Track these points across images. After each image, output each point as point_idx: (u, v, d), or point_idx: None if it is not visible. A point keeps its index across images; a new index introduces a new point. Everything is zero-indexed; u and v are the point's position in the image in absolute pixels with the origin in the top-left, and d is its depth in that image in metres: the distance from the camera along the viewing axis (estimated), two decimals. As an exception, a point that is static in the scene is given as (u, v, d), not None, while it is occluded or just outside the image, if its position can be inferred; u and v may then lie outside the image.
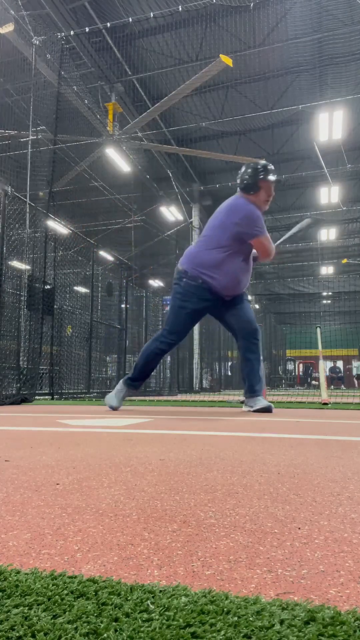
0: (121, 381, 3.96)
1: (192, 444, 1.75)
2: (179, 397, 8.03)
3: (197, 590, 0.51)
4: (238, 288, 3.80)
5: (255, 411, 3.72)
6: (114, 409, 3.89)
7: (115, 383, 10.15)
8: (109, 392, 4.29)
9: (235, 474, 1.19)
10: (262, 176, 3.71)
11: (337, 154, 12.25)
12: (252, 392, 3.81)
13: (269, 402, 3.94)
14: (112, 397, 3.90)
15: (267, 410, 3.68)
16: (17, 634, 0.42)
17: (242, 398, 4.45)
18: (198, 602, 0.48)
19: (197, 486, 1.05)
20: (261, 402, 3.75)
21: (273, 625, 0.43)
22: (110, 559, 0.63)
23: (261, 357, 3.95)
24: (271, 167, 3.81)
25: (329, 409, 4.43)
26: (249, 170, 3.76)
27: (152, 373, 4.23)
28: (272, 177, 3.76)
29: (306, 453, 1.54)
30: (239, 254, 3.70)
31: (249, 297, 24.85)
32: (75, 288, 8.59)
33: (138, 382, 3.92)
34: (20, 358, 5.58)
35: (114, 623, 0.44)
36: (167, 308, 4.22)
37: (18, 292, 5.92)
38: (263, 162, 3.87)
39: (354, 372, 26.66)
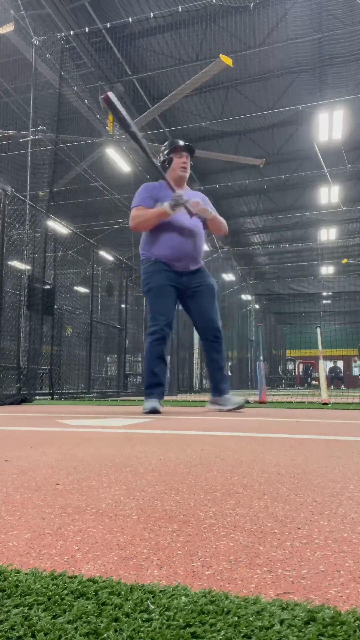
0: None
1: (192, 444, 1.75)
2: (179, 397, 8.03)
3: (197, 590, 0.51)
4: (182, 257, 3.79)
5: (228, 410, 3.71)
6: (156, 411, 3.57)
7: (115, 383, 10.15)
8: (109, 392, 4.29)
9: (235, 474, 1.19)
10: (167, 150, 3.95)
11: (337, 154, 12.25)
12: (219, 390, 3.84)
13: (243, 398, 4.00)
14: (153, 404, 3.61)
15: (241, 407, 3.69)
16: (17, 634, 0.42)
17: (242, 398, 4.42)
18: (198, 602, 0.48)
19: (197, 486, 1.05)
20: (232, 400, 3.76)
21: (273, 625, 0.43)
22: (110, 559, 0.63)
23: (224, 356, 3.95)
24: (175, 140, 4.04)
25: (329, 409, 4.43)
26: (161, 151, 4.03)
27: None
28: (177, 145, 3.93)
29: (306, 453, 1.54)
30: (160, 226, 3.75)
31: (249, 297, 24.82)
32: (75, 288, 8.59)
33: (158, 387, 3.71)
34: (20, 358, 5.58)
35: (114, 623, 0.44)
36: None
37: (18, 292, 5.93)
38: (170, 139, 4.12)
39: (355, 372, 26.65)
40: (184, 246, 3.79)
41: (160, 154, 4.03)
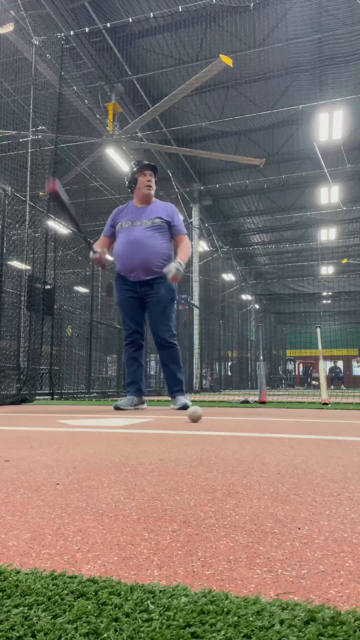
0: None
1: (192, 444, 1.75)
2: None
3: (197, 590, 0.51)
4: (132, 269, 4.10)
5: (177, 409, 4.04)
6: (118, 408, 4.03)
7: (115, 383, 10.16)
8: (109, 392, 4.52)
9: (235, 474, 1.19)
10: (132, 171, 4.27)
11: (337, 154, 12.25)
12: (171, 393, 4.25)
13: (191, 401, 4.38)
14: (121, 401, 4.16)
15: (184, 407, 4.00)
16: (17, 634, 0.42)
17: (242, 398, 4.51)
18: (198, 602, 0.48)
19: (197, 486, 1.05)
20: (179, 401, 4.10)
21: (273, 625, 0.43)
22: (110, 559, 0.63)
23: (179, 360, 4.25)
24: (139, 160, 4.41)
25: (329, 409, 4.43)
26: (128, 173, 4.38)
27: (152, 373, 4.58)
28: (140, 165, 4.25)
29: (306, 453, 1.54)
30: (116, 241, 4.26)
31: (249, 297, 24.77)
32: (75, 288, 8.59)
33: (131, 385, 4.20)
34: (20, 358, 5.58)
35: (114, 623, 0.44)
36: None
37: (18, 292, 5.92)
38: (135, 160, 4.47)
39: (355, 372, 26.65)
40: (132, 258, 4.10)
41: (127, 177, 4.35)
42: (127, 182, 4.33)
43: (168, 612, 0.46)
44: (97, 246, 4.30)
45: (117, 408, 4.01)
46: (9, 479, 1.13)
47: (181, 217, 4.38)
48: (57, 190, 3.69)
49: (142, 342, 4.27)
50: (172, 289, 4.22)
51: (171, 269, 3.93)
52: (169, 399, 4.44)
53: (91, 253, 4.24)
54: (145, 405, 4.34)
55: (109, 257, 4.37)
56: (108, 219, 4.39)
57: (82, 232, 4.46)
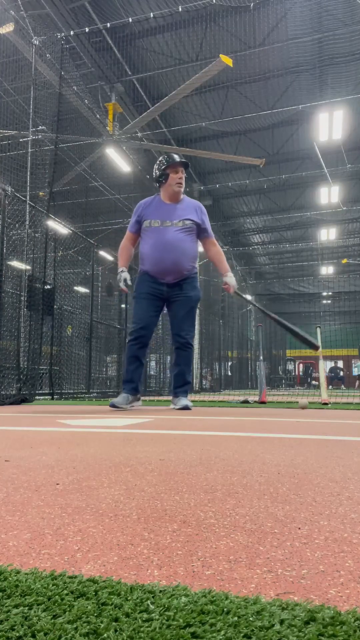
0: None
1: (192, 444, 1.75)
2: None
3: (197, 590, 0.51)
4: (162, 271, 4.08)
5: (177, 409, 4.07)
6: (116, 407, 4.01)
7: (115, 383, 10.15)
8: (109, 392, 4.49)
9: (235, 474, 1.19)
10: (164, 166, 4.11)
11: (337, 154, 12.25)
12: (174, 393, 4.25)
13: (191, 401, 4.36)
14: (117, 399, 4.12)
15: (185, 408, 4.03)
16: (17, 634, 0.42)
17: (242, 398, 4.53)
18: (198, 602, 0.48)
19: (197, 486, 1.05)
20: (181, 401, 4.11)
21: (273, 625, 0.43)
22: (110, 559, 0.63)
23: (192, 362, 4.32)
24: (171, 155, 4.23)
25: (329, 409, 4.43)
26: (155, 166, 4.23)
27: (152, 373, 4.57)
28: (172, 160, 4.13)
29: (306, 453, 1.54)
30: (144, 239, 4.18)
31: (249, 297, 24.88)
32: (75, 288, 8.58)
33: (127, 384, 4.15)
34: (20, 358, 5.58)
35: (114, 623, 0.44)
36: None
37: (18, 292, 5.92)
38: (166, 154, 4.34)
39: (355, 372, 26.66)
40: (164, 261, 4.06)
41: (156, 169, 4.18)
42: (155, 175, 4.18)
43: (168, 612, 0.46)
44: (123, 247, 4.29)
45: (112, 406, 3.99)
46: (9, 479, 1.13)
47: (207, 218, 4.33)
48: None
49: (148, 342, 4.24)
50: (199, 291, 4.26)
51: (232, 283, 4.19)
52: (169, 398, 4.45)
53: (121, 283, 4.22)
54: (140, 403, 4.33)
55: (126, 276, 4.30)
56: (134, 214, 4.24)
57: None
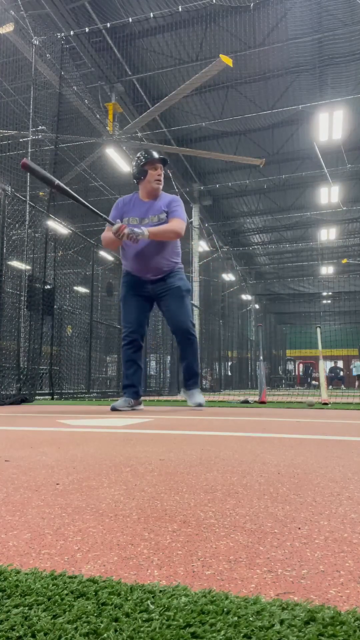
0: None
1: (192, 444, 1.75)
2: (179, 397, 8.03)
3: (197, 590, 0.51)
4: (143, 265, 4.01)
5: (193, 407, 4.08)
6: (115, 409, 3.96)
7: (115, 383, 10.16)
8: (109, 392, 4.44)
9: (235, 474, 1.19)
10: (142, 163, 4.05)
11: (337, 154, 12.25)
12: (186, 386, 4.24)
13: (205, 399, 4.31)
14: (118, 402, 4.08)
15: (199, 406, 4.00)
16: (17, 634, 0.42)
17: (242, 398, 4.52)
18: (198, 602, 0.48)
19: (197, 486, 1.05)
20: (195, 397, 4.12)
21: (273, 625, 0.43)
22: (110, 559, 0.63)
23: (198, 353, 4.23)
24: (149, 151, 4.13)
25: (329, 409, 4.43)
26: (133, 163, 4.16)
27: (152, 373, 4.49)
28: (151, 157, 4.05)
29: (306, 453, 1.54)
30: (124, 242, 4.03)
31: (249, 297, 24.78)
32: (75, 288, 8.59)
33: (128, 388, 4.09)
34: (20, 358, 5.58)
35: (114, 623, 0.44)
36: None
37: (18, 292, 5.92)
38: (144, 150, 4.21)
39: (354, 372, 26.68)
40: (142, 259, 4.01)
41: (134, 166, 4.14)
42: (134, 173, 4.14)
43: (168, 612, 0.46)
44: (104, 236, 4.05)
45: (113, 409, 3.93)
46: (9, 479, 1.13)
47: (182, 206, 4.18)
48: (28, 165, 3.59)
49: (142, 343, 4.20)
50: (185, 281, 4.20)
51: (127, 231, 3.72)
52: (169, 398, 4.43)
53: (114, 227, 3.79)
54: (142, 406, 4.26)
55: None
56: (114, 208, 4.18)
57: (76, 200, 3.92)
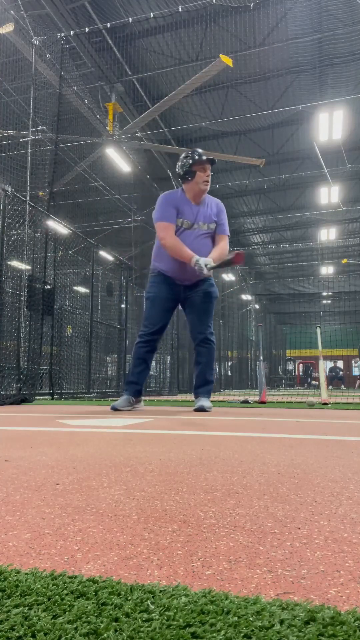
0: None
1: (192, 444, 1.75)
2: (179, 397, 8.03)
3: (197, 590, 0.51)
4: (184, 270, 3.92)
5: (193, 410, 3.96)
6: (116, 409, 3.94)
7: (115, 383, 10.16)
8: (109, 392, 4.39)
9: (235, 474, 1.19)
10: (191, 163, 3.92)
11: (337, 154, 12.25)
12: (195, 393, 4.12)
13: (211, 403, 4.16)
14: (118, 402, 4.02)
15: (200, 410, 3.87)
16: (17, 634, 0.42)
17: (242, 398, 4.52)
18: (198, 602, 0.48)
19: (197, 486, 1.05)
20: (199, 401, 3.97)
21: (273, 625, 0.43)
22: (110, 559, 0.63)
23: (214, 361, 4.13)
24: (197, 151, 4.02)
25: (329, 409, 4.43)
26: (180, 163, 4.03)
27: (152, 373, 4.42)
28: (200, 158, 3.94)
29: (306, 453, 1.54)
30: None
31: (249, 297, 24.78)
32: (75, 288, 8.59)
33: (131, 385, 4.03)
34: (20, 358, 5.58)
35: (114, 623, 0.44)
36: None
37: (18, 292, 5.92)
38: (191, 150, 4.07)
39: (355, 372, 26.68)
40: (184, 265, 3.89)
41: (181, 165, 3.98)
42: (180, 171, 3.97)
43: (168, 612, 0.46)
44: (176, 239, 3.83)
45: (114, 409, 3.90)
46: (9, 479, 1.13)
47: (226, 216, 4.15)
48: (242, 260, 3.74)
49: (157, 345, 4.13)
50: (215, 287, 4.17)
51: (201, 263, 3.71)
52: (169, 398, 4.41)
53: (204, 270, 3.73)
54: (142, 405, 4.24)
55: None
56: (168, 204, 3.91)
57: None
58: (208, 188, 3.99)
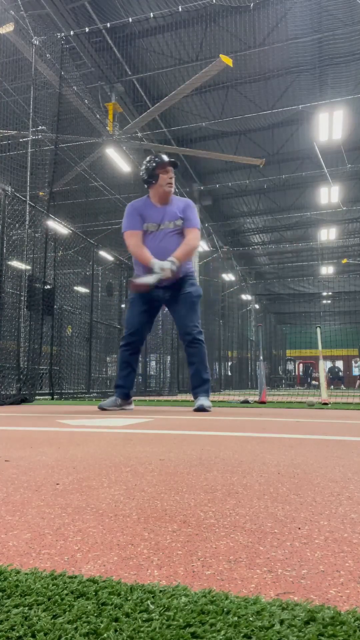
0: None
1: (192, 444, 1.75)
2: (179, 397, 8.03)
3: (197, 590, 0.51)
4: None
5: (193, 410, 3.95)
6: (102, 409, 4.01)
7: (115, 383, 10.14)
8: (109, 392, 4.41)
9: (235, 474, 1.19)
10: (154, 166, 3.98)
11: (337, 154, 12.25)
12: (193, 393, 4.10)
13: (210, 402, 4.13)
14: (105, 401, 4.12)
15: (200, 410, 3.85)
16: (17, 634, 0.42)
17: (242, 398, 4.52)
18: (198, 602, 0.48)
19: (197, 486, 1.05)
20: (199, 400, 3.95)
21: (273, 625, 0.43)
22: (110, 559, 0.63)
23: (206, 359, 4.09)
24: (160, 155, 4.08)
25: (329, 409, 4.43)
26: (143, 167, 4.07)
27: (152, 373, 4.44)
28: (162, 161, 3.99)
29: (306, 453, 1.54)
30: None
31: (249, 297, 24.80)
32: (75, 288, 8.59)
33: (119, 389, 4.10)
34: (20, 358, 5.58)
35: (114, 623, 0.44)
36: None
37: (18, 292, 5.92)
38: (154, 154, 4.14)
39: (355, 372, 26.70)
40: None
41: (144, 170, 4.04)
42: (144, 176, 4.03)
43: (168, 612, 0.46)
44: (137, 246, 3.92)
45: (101, 408, 3.96)
46: (9, 479, 1.13)
47: (196, 212, 4.14)
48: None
49: (140, 347, 4.17)
50: (197, 286, 4.18)
51: (164, 267, 3.72)
52: (169, 398, 4.41)
53: (164, 272, 3.74)
54: (132, 406, 4.23)
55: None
56: (132, 213, 4.01)
57: None
58: (172, 190, 4.04)
